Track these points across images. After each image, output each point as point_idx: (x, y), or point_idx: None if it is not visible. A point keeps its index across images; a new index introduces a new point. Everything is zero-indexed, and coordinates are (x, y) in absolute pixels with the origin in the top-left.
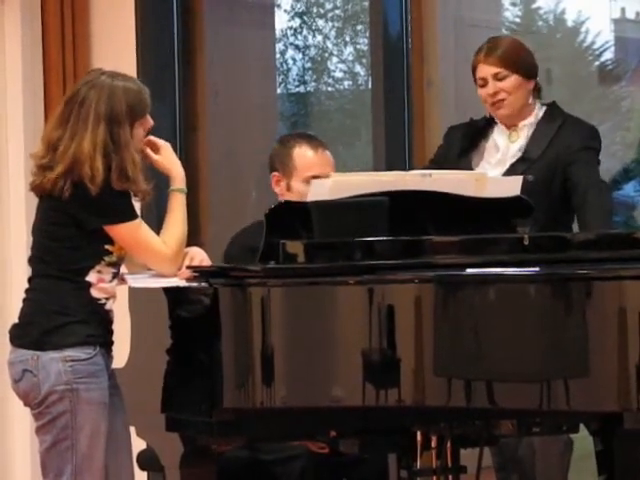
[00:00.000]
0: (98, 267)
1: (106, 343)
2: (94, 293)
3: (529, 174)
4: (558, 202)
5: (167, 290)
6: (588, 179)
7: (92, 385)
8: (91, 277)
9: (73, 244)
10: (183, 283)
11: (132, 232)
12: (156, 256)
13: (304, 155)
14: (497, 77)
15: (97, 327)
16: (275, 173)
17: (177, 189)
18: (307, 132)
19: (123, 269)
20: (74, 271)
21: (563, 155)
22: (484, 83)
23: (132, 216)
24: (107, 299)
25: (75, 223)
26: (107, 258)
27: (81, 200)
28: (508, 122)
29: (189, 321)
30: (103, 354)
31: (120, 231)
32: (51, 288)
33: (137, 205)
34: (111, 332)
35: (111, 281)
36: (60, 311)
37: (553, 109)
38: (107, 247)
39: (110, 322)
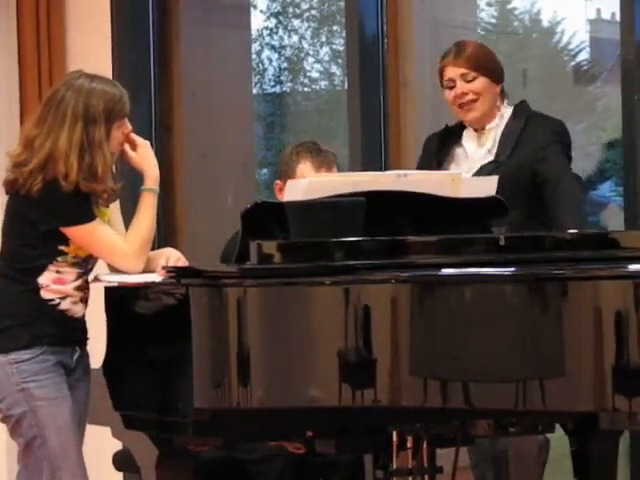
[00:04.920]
0: (55, 267)
1: (60, 341)
2: (45, 294)
3: (496, 174)
4: (530, 199)
5: (140, 289)
6: (558, 174)
7: (43, 382)
8: (45, 278)
9: (28, 242)
10: (159, 279)
11: (89, 233)
12: (115, 254)
13: (306, 172)
14: (465, 78)
15: (45, 328)
16: (278, 181)
17: (148, 189)
18: (318, 146)
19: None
20: (26, 270)
21: (532, 152)
22: (452, 84)
23: (88, 218)
24: (62, 298)
25: (30, 222)
26: (61, 258)
27: (43, 200)
28: (476, 125)
29: (162, 320)
30: (54, 352)
31: (76, 233)
32: (1, 289)
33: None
34: (71, 330)
35: (76, 280)
36: (6, 314)
37: (519, 108)
38: (61, 248)
39: (67, 321)
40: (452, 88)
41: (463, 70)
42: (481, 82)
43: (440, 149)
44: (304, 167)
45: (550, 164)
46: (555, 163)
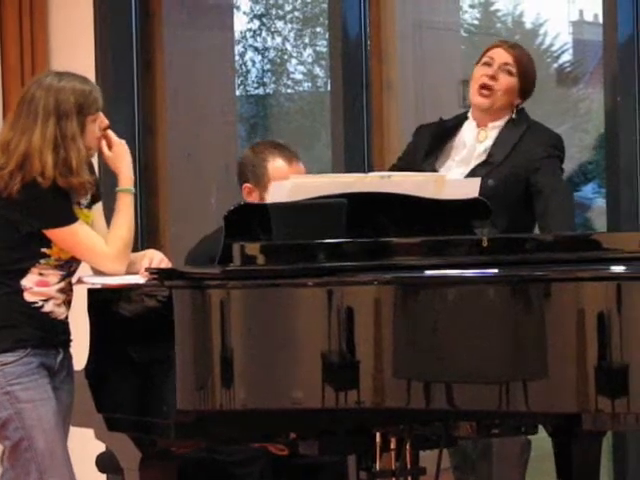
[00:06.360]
0: (38, 269)
1: (43, 344)
2: (28, 297)
3: (490, 178)
4: (519, 208)
5: (123, 291)
6: (551, 187)
7: (28, 384)
8: (28, 280)
9: (10, 245)
10: (142, 280)
11: (70, 235)
12: (98, 256)
13: (279, 168)
14: (505, 67)
15: (29, 330)
16: (247, 185)
17: (123, 189)
18: (278, 141)
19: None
20: (9, 273)
21: (527, 162)
22: (490, 63)
23: (70, 220)
24: (45, 301)
25: (12, 224)
26: (43, 261)
27: (24, 202)
28: (479, 116)
29: (145, 322)
30: (38, 354)
31: (58, 235)
32: None
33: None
34: (54, 332)
35: (59, 282)
36: None
37: (520, 114)
38: (44, 250)
39: (50, 323)
40: (486, 65)
41: (510, 60)
42: (512, 82)
43: (432, 144)
44: (277, 164)
45: (545, 176)
46: (550, 175)
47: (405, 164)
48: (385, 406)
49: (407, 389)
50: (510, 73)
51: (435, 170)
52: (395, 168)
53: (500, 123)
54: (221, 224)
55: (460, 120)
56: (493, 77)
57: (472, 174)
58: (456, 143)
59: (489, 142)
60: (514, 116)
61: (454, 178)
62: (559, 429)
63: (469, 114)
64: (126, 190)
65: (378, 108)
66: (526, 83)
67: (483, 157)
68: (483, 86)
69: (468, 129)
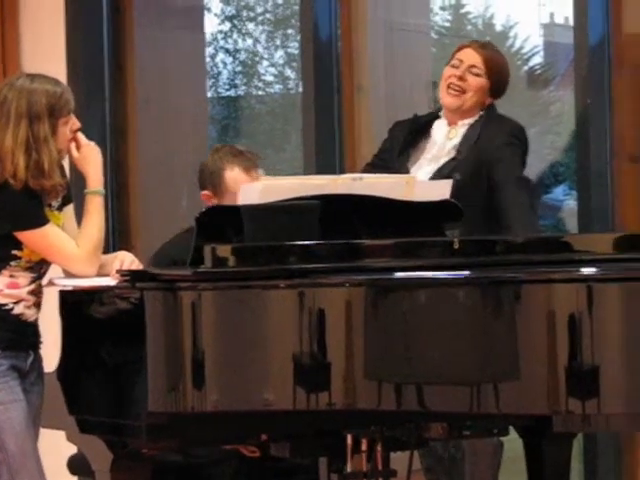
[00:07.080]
0: (8, 271)
1: (14, 346)
2: None
3: (456, 172)
4: (486, 199)
5: (94, 293)
6: (508, 177)
7: None
8: None
9: None
10: (114, 282)
11: (41, 237)
12: (68, 259)
13: (236, 177)
14: (472, 70)
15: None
16: (205, 192)
17: (92, 192)
18: (239, 148)
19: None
20: None
21: (487, 151)
22: (458, 64)
23: (41, 221)
24: (16, 303)
25: None
26: (14, 263)
27: None
28: (450, 115)
29: (116, 324)
30: (8, 356)
31: (29, 237)
32: None
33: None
34: (24, 334)
35: (30, 284)
36: None
37: (488, 110)
38: (15, 252)
39: (21, 325)
40: (455, 67)
41: (477, 62)
42: (481, 82)
43: (407, 141)
44: (233, 173)
45: (502, 166)
46: (507, 166)
47: (380, 161)
48: (356, 408)
49: (378, 391)
50: (478, 75)
51: (407, 168)
52: (370, 165)
53: (470, 121)
54: (190, 226)
55: (434, 117)
56: (461, 78)
57: (439, 170)
58: (428, 141)
59: (457, 139)
60: (482, 113)
61: (425, 180)
62: (530, 431)
63: (441, 113)
64: (95, 192)
65: (349, 110)
66: (497, 82)
67: (452, 154)
68: (449, 86)
69: (439, 127)
